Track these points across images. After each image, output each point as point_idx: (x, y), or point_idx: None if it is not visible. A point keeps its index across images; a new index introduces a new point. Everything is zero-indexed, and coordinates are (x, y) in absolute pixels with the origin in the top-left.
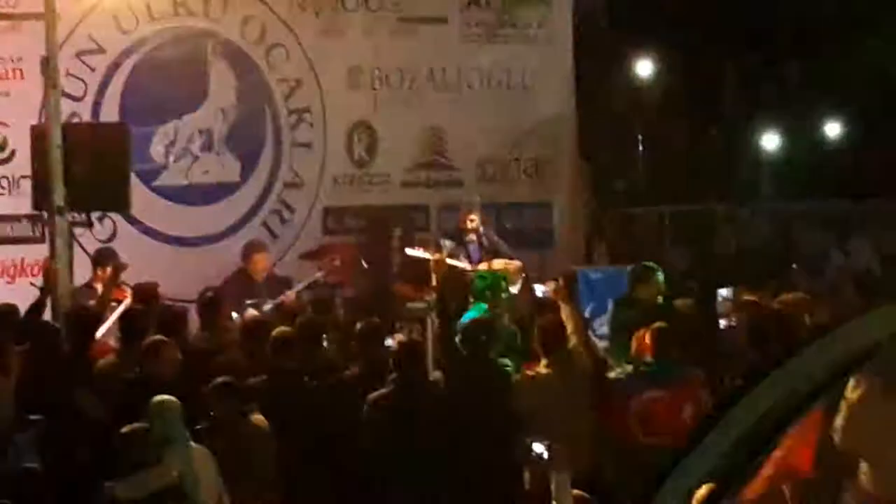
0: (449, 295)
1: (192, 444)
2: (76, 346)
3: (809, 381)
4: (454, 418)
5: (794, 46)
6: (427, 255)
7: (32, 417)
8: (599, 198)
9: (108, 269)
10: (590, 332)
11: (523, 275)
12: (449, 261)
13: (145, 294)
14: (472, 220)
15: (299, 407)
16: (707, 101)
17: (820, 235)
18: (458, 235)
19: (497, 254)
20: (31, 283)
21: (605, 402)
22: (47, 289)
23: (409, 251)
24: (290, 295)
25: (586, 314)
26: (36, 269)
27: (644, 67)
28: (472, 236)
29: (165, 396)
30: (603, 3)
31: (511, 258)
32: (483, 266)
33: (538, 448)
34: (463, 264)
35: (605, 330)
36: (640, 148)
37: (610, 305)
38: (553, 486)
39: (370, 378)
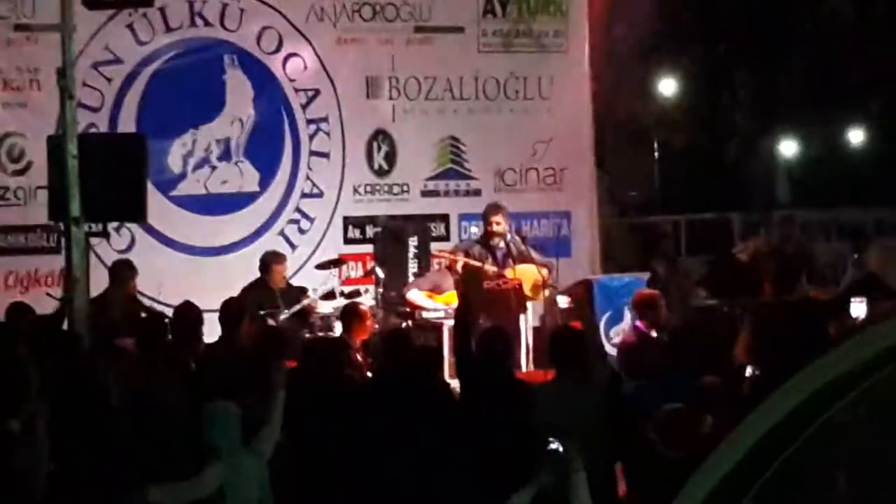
0: (470, 301)
1: (245, 451)
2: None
3: (825, 389)
4: (469, 426)
5: (811, 54)
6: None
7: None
8: (616, 206)
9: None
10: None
11: (552, 282)
12: (469, 261)
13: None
14: (498, 224)
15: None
16: (724, 109)
17: (836, 244)
18: (485, 239)
19: (526, 259)
20: (48, 294)
21: (622, 415)
22: (67, 299)
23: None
24: (306, 303)
25: (602, 323)
26: (50, 280)
27: (660, 76)
28: (499, 240)
29: (222, 402)
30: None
31: (543, 265)
32: (508, 271)
33: (554, 444)
34: (490, 267)
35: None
36: (656, 156)
37: (626, 314)
38: (571, 486)
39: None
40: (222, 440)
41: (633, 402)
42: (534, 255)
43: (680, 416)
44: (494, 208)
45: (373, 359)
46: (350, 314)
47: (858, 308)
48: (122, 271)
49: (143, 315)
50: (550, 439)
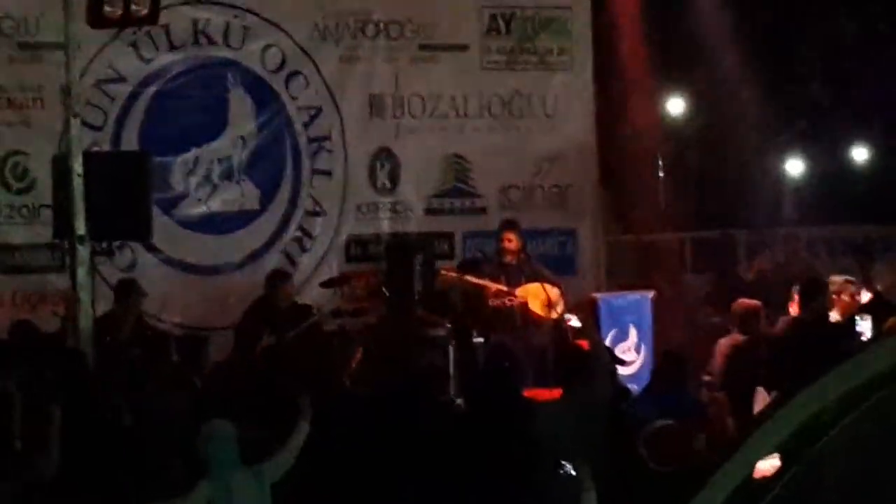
0: (470, 316)
1: (242, 471)
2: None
3: (829, 408)
4: (474, 444)
5: (817, 71)
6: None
7: None
8: (620, 224)
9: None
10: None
11: (563, 300)
12: (474, 279)
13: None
14: (509, 241)
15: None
16: (729, 127)
17: (842, 260)
18: (497, 256)
19: (538, 277)
20: (53, 313)
21: (619, 430)
22: (69, 317)
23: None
24: (312, 321)
25: (608, 341)
26: (57, 299)
27: (666, 94)
28: (511, 258)
29: (218, 420)
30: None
31: (553, 283)
32: (520, 289)
33: (567, 465)
34: (498, 285)
35: (628, 356)
36: (661, 174)
37: (632, 331)
38: None
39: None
40: (216, 458)
41: (628, 419)
42: (546, 273)
43: (670, 432)
44: (506, 225)
45: (361, 385)
46: (343, 344)
47: (864, 326)
48: (128, 290)
49: (149, 333)
50: (562, 461)
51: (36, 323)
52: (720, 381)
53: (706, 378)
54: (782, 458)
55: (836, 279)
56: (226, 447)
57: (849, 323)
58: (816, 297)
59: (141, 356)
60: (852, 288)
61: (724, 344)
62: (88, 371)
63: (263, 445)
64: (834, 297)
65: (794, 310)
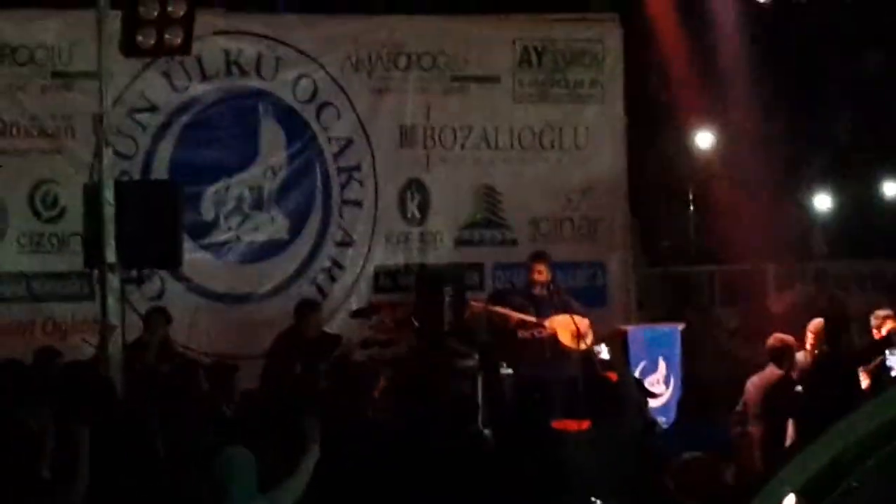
0: (499, 347)
1: (259, 499)
2: None
3: (857, 445)
4: (502, 475)
5: (846, 105)
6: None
7: None
8: (649, 256)
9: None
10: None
11: (591, 333)
12: (502, 310)
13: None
14: (540, 273)
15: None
16: (757, 160)
17: (871, 295)
18: (527, 288)
19: (567, 309)
20: (83, 340)
21: (647, 462)
22: (102, 346)
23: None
24: (341, 352)
25: (637, 373)
26: (86, 327)
27: (695, 127)
28: (541, 289)
29: (238, 448)
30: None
31: (582, 315)
32: (549, 321)
33: (597, 502)
34: (528, 317)
35: (657, 389)
36: (690, 207)
37: (661, 363)
38: None
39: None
40: (235, 486)
41: (656, 448)
42: (575, 305)
43: (698, 464)
44: (536, 257)
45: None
46: (366, 374)
47: (894, 361)
48: (155, 317)
49: (176, 360)
50: (593, 499)
51: (64, 351)
52: (754, 416)
53: (737, 413)
54: (810, 495)
55: (880, 313)
56: (245, 476)
57: (875, 349)
58: (843, 330)
59: (168, 375)
60: (891, 323)
61: (758, 378)
62: (118, 398)
63: (275, 471)
64: (874, 330)
65: (809, 348)
